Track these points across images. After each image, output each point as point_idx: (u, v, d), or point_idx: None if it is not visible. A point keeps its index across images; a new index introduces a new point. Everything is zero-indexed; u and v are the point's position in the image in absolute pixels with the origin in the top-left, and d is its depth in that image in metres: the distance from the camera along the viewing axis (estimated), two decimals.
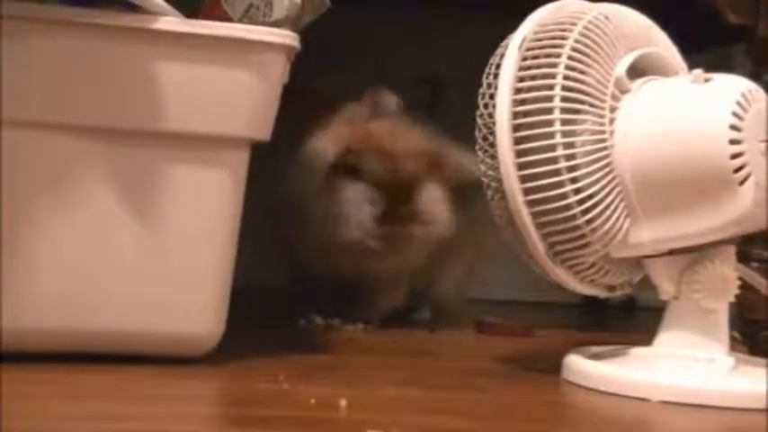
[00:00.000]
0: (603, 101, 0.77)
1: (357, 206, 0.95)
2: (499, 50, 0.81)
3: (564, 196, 0.76)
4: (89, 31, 0.71)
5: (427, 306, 1.12)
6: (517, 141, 0.78)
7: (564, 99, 0.77)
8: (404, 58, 1.27)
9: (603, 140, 0.77)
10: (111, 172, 0.73)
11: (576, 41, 0.78)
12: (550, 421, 0.71)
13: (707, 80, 0.77)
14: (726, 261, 0.78)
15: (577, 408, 0.76)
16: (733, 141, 0.73)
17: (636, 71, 0.79)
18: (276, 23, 0.78)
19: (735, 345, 0.87)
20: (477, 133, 0.82)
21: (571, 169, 0.76)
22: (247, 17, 0.78)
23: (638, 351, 0.81)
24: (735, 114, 0.74)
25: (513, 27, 0.80)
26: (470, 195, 0.98)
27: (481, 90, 0.81)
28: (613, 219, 0.76)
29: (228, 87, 0.74)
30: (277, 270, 1.09)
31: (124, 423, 0.59)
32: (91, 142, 0.72)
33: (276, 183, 1.00)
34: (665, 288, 0.79)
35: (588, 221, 0.76)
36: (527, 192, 0.77)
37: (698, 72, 0.77)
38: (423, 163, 0.98)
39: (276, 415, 0.64)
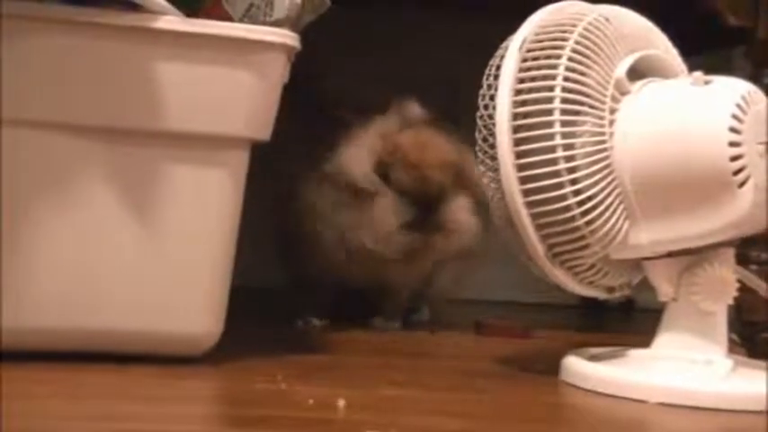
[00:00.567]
0: (603, 102, 0.78)
1: (386, 217, 0.96)
2: (499, 52, 0.81)
3: (563, 197, 0.76)
4: (89, 30, 0.71)
5: (426, 306, 1.12)
6: (517, 143, 0.78)
7: (564, 100, 0.77)
8: (404, 58, 1.28)
9: (603, 142, 0.77)
10: (111, 172, 0.73)
11: (577, 43, 0.78)
12: (549, 422, 0.71)
13: (707, 82, 0.77)
14: (725, 263, 0.78)
15: (575, 409, 0.76)
16: (732, 143, 0.73)
17: (636, 73, 0.79)
18: (277, 23, 0.78)
19: (733, 347, 0.87)
20: (476, 134, 0.82)
21: (571, 171, 0.76)
22: (248, 17, 0.78)
23: (636, 353, 0.81)
24: (734, 117, 0.74)
25: (513, 28, 0.81)
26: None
27: (481, 91, 0.81)
28: (613, 220, 0.77)
29: (229, 87, 0.74)
30: (276, 270, 1.09)
31: (124, 423, 0.59)
32: (91, 142, 0.72)
33: (286, 198, 1.01)
34: (664, 290, 0.79)
35: (588, 223, 0.77)
36: (526, 193, 0.77)
37: (698, 74, 0.77)
38: (450, 173, 0.98)
39: (274, 415, 0.64)
